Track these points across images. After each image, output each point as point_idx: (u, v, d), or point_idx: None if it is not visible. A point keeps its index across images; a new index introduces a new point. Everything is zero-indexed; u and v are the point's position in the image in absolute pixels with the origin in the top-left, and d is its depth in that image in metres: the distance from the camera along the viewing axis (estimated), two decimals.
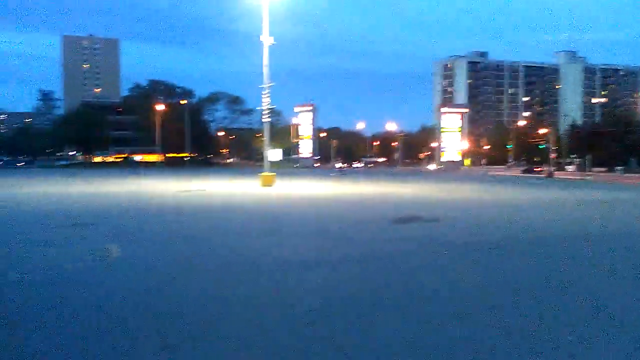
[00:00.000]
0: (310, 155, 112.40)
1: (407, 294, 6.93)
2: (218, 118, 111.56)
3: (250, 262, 8.82)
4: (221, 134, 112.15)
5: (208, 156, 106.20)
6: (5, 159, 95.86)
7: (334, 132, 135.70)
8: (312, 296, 6.70)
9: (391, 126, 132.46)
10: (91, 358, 4.63)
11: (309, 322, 5.65)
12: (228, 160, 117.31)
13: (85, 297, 6.53)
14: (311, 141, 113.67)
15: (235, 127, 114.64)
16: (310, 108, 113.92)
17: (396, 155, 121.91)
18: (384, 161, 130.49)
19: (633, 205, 23.78)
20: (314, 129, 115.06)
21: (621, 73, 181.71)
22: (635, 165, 79.49)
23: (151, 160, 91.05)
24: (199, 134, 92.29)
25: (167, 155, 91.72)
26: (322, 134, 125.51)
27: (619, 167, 77.34)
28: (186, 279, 7.66)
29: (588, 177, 59.10)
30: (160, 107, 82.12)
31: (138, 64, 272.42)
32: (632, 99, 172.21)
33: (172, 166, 79.87)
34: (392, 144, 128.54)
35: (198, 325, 5.49)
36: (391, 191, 29.63)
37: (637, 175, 64.97)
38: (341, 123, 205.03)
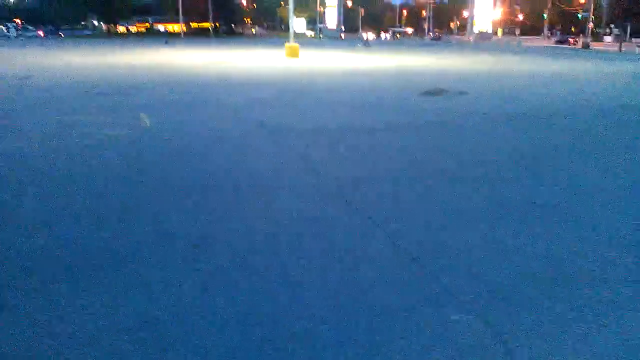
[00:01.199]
0: (336, 25, 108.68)
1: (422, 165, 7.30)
2: None
3: (277, 130, 9.20)
4: (245, 2, 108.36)
5: (232, 26, 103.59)
6: (48, 27, 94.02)
7: (361, 0, 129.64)
8: (341, 165, 7.12)
9: None
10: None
11: (339, 192, 6.10)
12: (252, 30, 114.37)
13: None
14: (337, 10, 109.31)
15: None
16: None
17: (425, 25, 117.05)
18: (412, 31, 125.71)
19: None
20: None
21: None
22: None
23: (174, 31, 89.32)
24: (222, 2, 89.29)
25: (190, 25, 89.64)
26: (349, 2, 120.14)
27: None
28: (216, 145, 8.12)
29: (626, 49, 56.54)
30: None
31: None
32: None
33: (195, 36, 78.47)
34: (422, 13, 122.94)
35: (225, 194, 5.99)
36: (419, 64, 29.13)
37: None
38: None
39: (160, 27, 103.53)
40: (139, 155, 7.37)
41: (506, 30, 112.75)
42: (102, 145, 7.91)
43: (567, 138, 9.00)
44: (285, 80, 18.56)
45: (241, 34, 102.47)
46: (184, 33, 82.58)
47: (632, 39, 71.46)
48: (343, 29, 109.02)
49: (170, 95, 13.94)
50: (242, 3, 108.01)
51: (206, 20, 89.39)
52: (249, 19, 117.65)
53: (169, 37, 62.70)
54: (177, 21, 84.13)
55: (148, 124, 9.67)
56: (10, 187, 5.86)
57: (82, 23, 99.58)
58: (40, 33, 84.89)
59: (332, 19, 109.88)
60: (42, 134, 8.64)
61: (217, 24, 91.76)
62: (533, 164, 7.12)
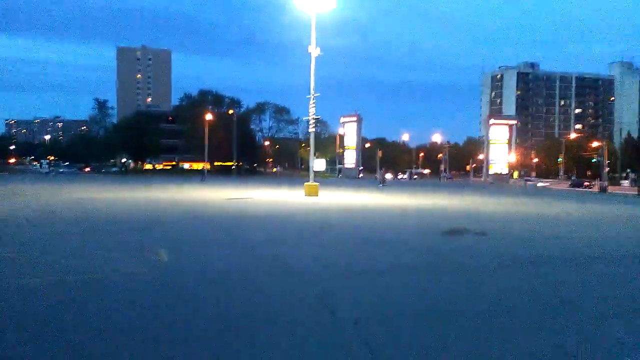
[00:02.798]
0: (355, 165, 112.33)
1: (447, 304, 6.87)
2: (264, 128, 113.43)
3: (296, 271, 8.93)
4: (267, 143, 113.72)
5: (253, 165, 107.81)
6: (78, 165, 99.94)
7: (378, 142, 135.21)
8: (362, 306, 6.74)
9: (437, 137, 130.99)
10: None
11: (355, 332, 5.69)
12: (273, 170, 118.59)
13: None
14: (355, 152, 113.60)
15: (280, 136, 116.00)
16: (355, 118, 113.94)
17: (441, 167, 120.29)
18: (428, 173, 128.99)
19: None
20: (358, 140, 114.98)
21: None
22: None
23: (199, 169, 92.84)
24: (245, 143, 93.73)
25: (214, 163, 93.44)
26: (367, 145, 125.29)
27: None
28: (228, 288, 7.82)
29: None
30: (208, 116, 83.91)
31: (189, 74, 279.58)
32: None
33: (219, 175, 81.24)
34: (438, 155, 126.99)
35: (241, 336, 5.62)
36: (436, 203, 29.30)
37: None
38: (386, 133, 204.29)
39: (186, 165, 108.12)
40: (146, 297, 7.09)
41: (522, 173, 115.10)
42: (112, 284, 7.67)
43: (585, 286, 8.54)
44: (303, 218, 18.60)
45: (262, 173, 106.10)
46: (208, 171, 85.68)
47: None
48: (361, 169, 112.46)
49: (190, 231, 13.95)
50: (264, 144, 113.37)
51: (229, 160, 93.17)
52: (270, 159, 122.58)
53: (204, 175, 64.67)
54: (202, 160, 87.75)
55: (166, 259, 9.51)
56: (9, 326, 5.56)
57: (112, 160, 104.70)
58: (87, 169, 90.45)
59: (350, 160, 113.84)
60: (64, 270, 8.47)
61: (239, 163, 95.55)
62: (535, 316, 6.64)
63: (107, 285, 7.44)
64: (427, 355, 4.99)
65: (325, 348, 5.13)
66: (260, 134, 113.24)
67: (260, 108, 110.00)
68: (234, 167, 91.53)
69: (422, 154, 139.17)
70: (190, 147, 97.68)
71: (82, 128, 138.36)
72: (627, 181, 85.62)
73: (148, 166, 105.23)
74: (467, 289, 7.87)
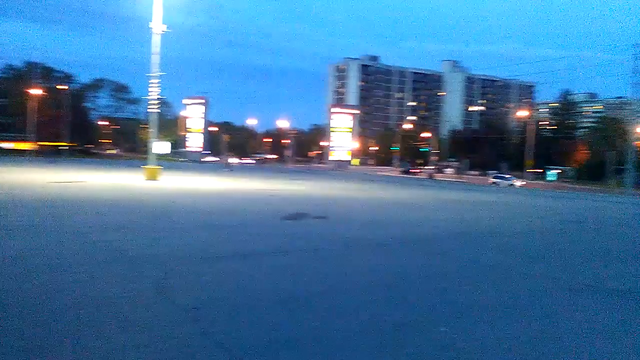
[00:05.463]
0: (200, 149, 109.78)
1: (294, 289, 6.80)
2: (101, 106, 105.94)
3: (132, 257, 8.25)
4: (104, 123, 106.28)
5: (87, 146, 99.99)
6: None
7: (225, 126, 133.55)
8: (201, 292, 6.37)
9: (283, 123, 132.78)
10: None
11: (193, 318, 5.33)
12: (110, 151, 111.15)
13: None
14: (201, 135, 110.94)
15: (120, 116, 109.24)
16: (201, 101, 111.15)
17: (287, 153, 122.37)
18: (274, 158, 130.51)
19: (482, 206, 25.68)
20: (204, 123, 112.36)
21: (498, 84, 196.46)
22: (506, 169, 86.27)
23: (22, 149, 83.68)
24: (78, 122, 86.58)
25: (40, 143, 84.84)
26: (213, 128, 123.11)
27: (491, 171, 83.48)
28: (57, 274, 6.96)
29: (463, 180, 63.11)
30: (35, 91, 75.93)
31: (13, 43, 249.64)
32: (506, 109, 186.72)
33: (46, 156, 74.03)
34: (284, 141, 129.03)
35: (73, 326, 4.97)
36: (280, 188, 29.61)
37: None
38: (234, 118, 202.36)
39: (8, 145, 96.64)
40: None
41: (362, 160, 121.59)
42: None
43: (402, 262, 9.09)
44: (141, 202, 17.51)
45: (98, 155, 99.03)
46: (37, 152, 77.64)
47: (469, 171, 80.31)
48: (207, 153, 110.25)
49: (12, 216, 12.31)
50: (100, 123, 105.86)
51: (60, 140, 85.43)
52: (108, 140, 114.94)
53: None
54: (27, 140, 79.32)
55: None
56: None
57: None
58: None
59: (195, 143, 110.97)
60: None
61: (72, 144, 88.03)
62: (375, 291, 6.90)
63: None
64: (270, 339, 4.80)
65: (162, 335, 4.75)
66: (96, 112, 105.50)
67: (97, 85, 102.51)
68: (65, 148, 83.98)
69: (269, 140, 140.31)
70: (13, 125, 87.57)
71: None
72: (450, 169, 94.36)
73: None
74: (302, 272, 7.88)
